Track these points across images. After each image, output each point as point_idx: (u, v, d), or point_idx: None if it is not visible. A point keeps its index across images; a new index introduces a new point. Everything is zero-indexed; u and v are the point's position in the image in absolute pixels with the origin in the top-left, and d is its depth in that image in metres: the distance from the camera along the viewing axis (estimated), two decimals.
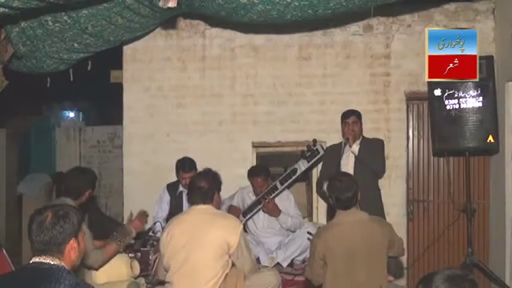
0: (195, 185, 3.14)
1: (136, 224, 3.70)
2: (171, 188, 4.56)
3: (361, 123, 4.26)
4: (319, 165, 4.52)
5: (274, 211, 4.26)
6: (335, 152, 4.17)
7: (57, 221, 1.94)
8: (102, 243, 3.71)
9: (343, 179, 3.08)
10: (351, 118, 4.21)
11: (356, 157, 4.11)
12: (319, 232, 3.13)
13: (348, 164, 4.13)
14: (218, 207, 3.28)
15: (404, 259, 4.74)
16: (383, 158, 4.29)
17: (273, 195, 4.24)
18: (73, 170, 3.80)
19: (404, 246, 4.71)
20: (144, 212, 3.86)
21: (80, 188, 3.45)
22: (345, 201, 2.98)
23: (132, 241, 3.73)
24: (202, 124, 5.04)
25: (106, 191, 7.66)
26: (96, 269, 3.35)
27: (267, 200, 4.20)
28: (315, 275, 3.05)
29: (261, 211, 4.35)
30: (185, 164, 4.38)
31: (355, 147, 4.09)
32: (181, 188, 4.48)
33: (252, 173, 4.42)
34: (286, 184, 4.21)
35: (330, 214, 3.55)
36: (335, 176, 3.23)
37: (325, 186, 3.19)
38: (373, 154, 4.13)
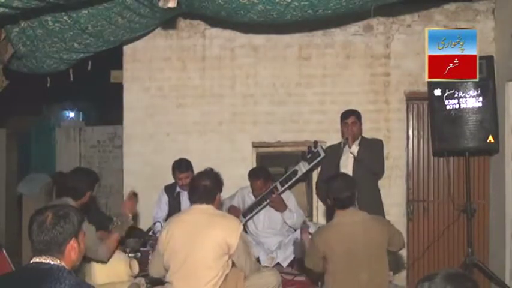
0: (199, 183, 3.09)
1: (129, 205, 3.58)
2: (169, 189, 4.56)
3: (360, 124, 4.26)
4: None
5: (280, 205, 4.26)
6: (334, 153, 4.17)
7: (57, 221, 1.95)
8: (104, 234, 3.71)
9: (340, 179, 3.14)
10: (350, 118, 4.21)
11: (355, 158, 4.10)
12: (320, 231, 3.14)
13: (347, 165, 4.13)
14: (218, 208, 3.26)
15: (404, 259, 4.75)
16: (382, 158, 4.29)
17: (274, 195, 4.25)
18: (76, 171, 3.79)
19: (404, 246, 4.78)
20: (134, 193, 3.71)
21: (82, 189, 3.45)
22: (344, 200, 3.02)
23: (131, 222, 3.67)
24: (202, 124, 5.04)
25: (106, 191, 7.62)
26: (106, 262, 3.35)
27: (274, 195, 4.21)
28: (316, 266, 3.15)
29: (261, 211, 4.35)
30: (181, 164, 4.38)
31: (355, 148, 4.09)
32: (178, 189, 4.48)
33: (251, 175, 4.41)
34: (286, 186, 4.21)
35: (330, 214, 3.56)
36: (332, 176, 3.26)
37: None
38: (372, 155, 4.12)
